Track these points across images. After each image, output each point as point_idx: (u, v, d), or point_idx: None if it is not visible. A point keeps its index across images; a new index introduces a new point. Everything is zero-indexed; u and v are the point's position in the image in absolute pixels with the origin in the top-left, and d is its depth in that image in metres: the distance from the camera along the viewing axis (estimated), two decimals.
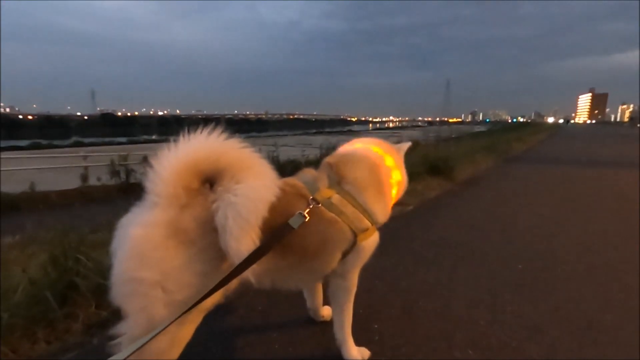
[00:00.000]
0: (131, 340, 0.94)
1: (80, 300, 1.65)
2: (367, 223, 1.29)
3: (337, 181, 1.31)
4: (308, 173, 1.34)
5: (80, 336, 1.57)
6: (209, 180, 1.02)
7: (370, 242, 1.33)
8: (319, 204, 1.20)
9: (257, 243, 0.98)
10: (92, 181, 8.43)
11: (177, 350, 1.03)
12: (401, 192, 1.54)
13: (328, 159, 1.40)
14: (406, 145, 1.59)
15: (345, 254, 1.29)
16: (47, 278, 1.63)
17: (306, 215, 1.13)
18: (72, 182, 8.22)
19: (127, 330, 0.93)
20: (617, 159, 9.45)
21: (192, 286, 0.96)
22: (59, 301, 1.61)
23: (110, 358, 0.80)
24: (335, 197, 1.26)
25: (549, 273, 2.33)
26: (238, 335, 1.64)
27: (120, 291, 0.92)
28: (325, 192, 1.26)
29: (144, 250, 0.92)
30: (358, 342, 1.49)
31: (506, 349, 1.56)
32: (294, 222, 1.10)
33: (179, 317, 0.90)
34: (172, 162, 0.97)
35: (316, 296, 1.70)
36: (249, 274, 1.04)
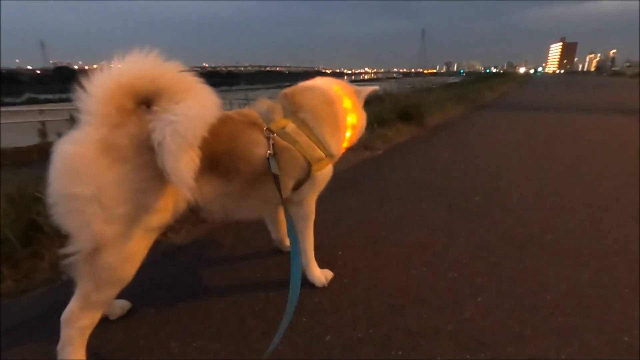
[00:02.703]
0: (83, 258, 0.95)
1: (45, 240, 1.64)
2: (320, 153, 1.34)
3: (293, 111, 1.32)
4: (263, 104, 1.34)
5: (48, 273, 1.59)
6: (146, 102, 0.99)
7: (325, 173, 1.39)
8: (273, 133, 1.22)
9: (197, 162, 0.96)
10: (52, 138, 8.00)
11: (130, 267, 1.04)
12: (356, 137, 1.55)
13: (285, 91, 1.40)
14: (369, 89, 1.56)
15: (300, 184, 1.34)
16: (5, 219, 1.60)
17: (271, 152, 1.18)
18: (29, 140, 7.77)
19: (76, 249, 0.94)
20: (577, 104, 9.84)
21: (129, 202, 0.96)
22: (23, 242, 1.60)
23: None
24: (290, 126, 1.28)
25: (503, 204, 2.51)
26: (208, 268, 1.71)
27: (58, 209, 0.92)
28: (280, 121, 1.27)
29: (76, 166, 0.91)
30: (323, 267, 1.60)
31: (456, 265, 1.72)
32: (274, 167, 1.17)
33: None
34: (104, 81, 0.94)
35: (279, 227, 1.77)
36: (197, 197, 1.06)
